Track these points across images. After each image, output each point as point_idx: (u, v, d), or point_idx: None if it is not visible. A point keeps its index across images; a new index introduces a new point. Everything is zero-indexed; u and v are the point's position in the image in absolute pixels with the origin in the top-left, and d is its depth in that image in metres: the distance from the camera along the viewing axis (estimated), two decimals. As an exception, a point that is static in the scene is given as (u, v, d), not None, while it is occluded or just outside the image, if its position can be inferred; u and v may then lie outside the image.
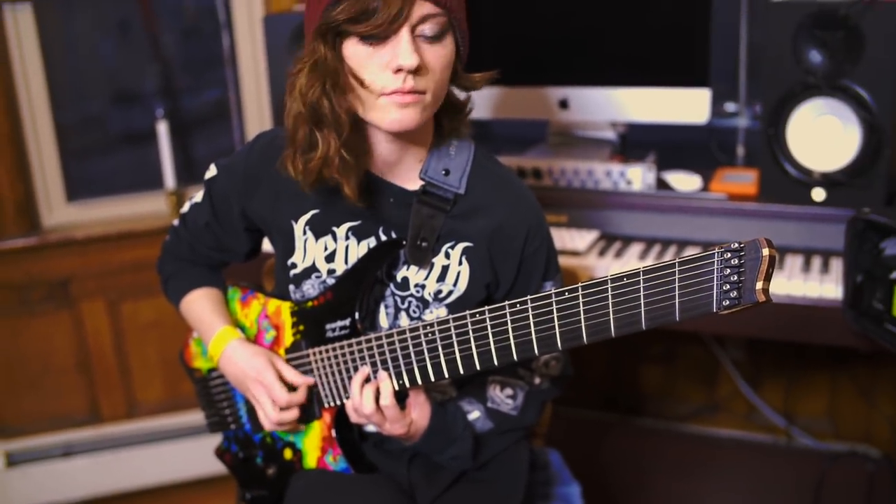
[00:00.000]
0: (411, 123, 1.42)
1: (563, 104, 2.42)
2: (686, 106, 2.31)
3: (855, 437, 2.81)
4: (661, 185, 2.34)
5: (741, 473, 2.83)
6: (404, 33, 1.35)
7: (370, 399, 1.51)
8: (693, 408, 3.01)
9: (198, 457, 3.16)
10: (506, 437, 1.69)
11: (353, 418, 1.57)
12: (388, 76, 1.37)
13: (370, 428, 1.70)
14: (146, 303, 3.13)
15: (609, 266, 2.13)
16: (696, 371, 2.97)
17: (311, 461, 1.68)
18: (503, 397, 1.66)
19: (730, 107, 2.61)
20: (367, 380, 1.53)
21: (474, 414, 1.64)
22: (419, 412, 1.57)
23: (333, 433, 1.63)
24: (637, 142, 2.51)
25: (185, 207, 1.78)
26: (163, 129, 3.04)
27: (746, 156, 2.50)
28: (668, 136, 2.57)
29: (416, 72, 1.37)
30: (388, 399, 1.50)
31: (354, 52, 1.38)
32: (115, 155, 3.20)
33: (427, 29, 1.37)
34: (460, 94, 1.56)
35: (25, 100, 2.97)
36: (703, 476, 2.85)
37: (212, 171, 1.72)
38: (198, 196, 1.75)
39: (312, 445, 1.67)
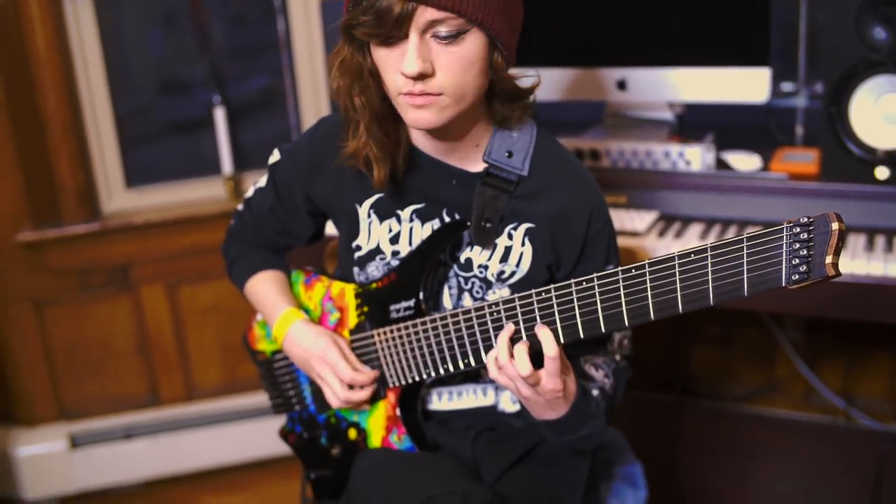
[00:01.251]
0: (430, 123, 1.42)
1: (621, 85, 2.41)
2: (745, 85, 2.28)
3: (916, 418, 2.79)
4: (721, 165, 2.32)
5: (799, 455, 2.81)
6: (412, 38, 1.34)
7: (526, 358, 1.39)
8: (750, 389, 2.99)
9: (256, 438, 3.20)
10: (608, 418, 1.63)
11: (494, 374, 1.44)
12: (401, 78, 1.38)
13: (435, 406, 1.71)
14: (204, 287, 3.17)
15: (669, 246, 2.12)
16: (753, 352, 2.95)
17: (375, 440, 1.70)
18: (601, 377, 1.63)
19: (787, 86, 2.59)
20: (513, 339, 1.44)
21: (594, 392, 1.60)
22: (570, 376, 1.47)
23: (398, 413, 1.65)
24: (694, 123, 2.49)
25: (250, 192, 1.81)
26: (220, 115, 3.08)
27: (805, 135, 2.47)
28: (724, 117, 2.55)
29: (427, 75, 1.36)
30: (553, 350, 1.38)
31: (375, 52, 1.40)
32: (165, 143, 3.24)
33: (441, 30, 1.34)
34: (520, 82, 1.53)
35: (85, 89, 3.02)
36: (760, 457, 2.83)
37: (275, 156, 1.74)
38: (262, 180, 1.78)
39: (377, 425, 1.69)
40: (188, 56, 3.19)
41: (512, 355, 1.41)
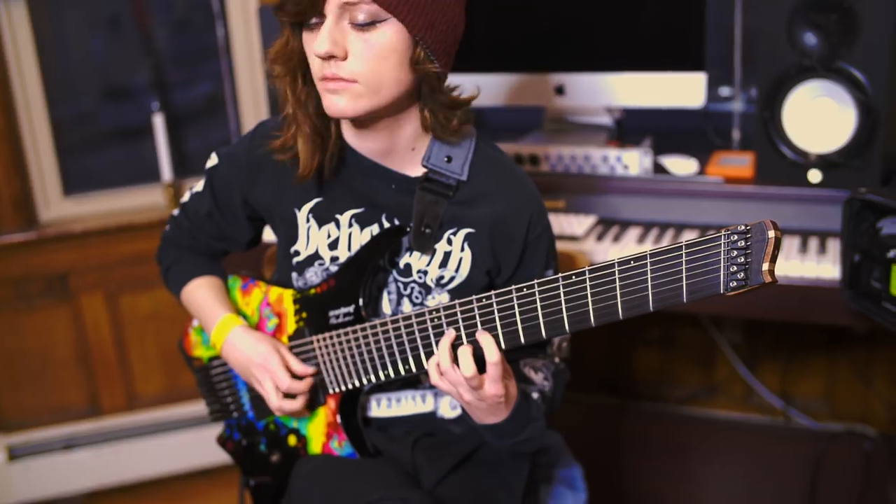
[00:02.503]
0: (344, 111, 1.42)
1: (560, 90, 2.43)
2: (682, 90, 2.32)
3: (851, 417, 2.83)
4: (658, 169, 2.35)
5: (739, 455, 2.85)
6: (328, 19, 1.36)
7: (470, 360, 1.39)
8: (690, 390, 3.02)
9: (198, 448, 3.18)
10: (546, 420, 1.63)
11: (436, 380, 1.44)
12: (318, 62, 1.40)
13: (374, 413, 1.71)
14: (144, 295, 3.14)
15: (607, 250, 2.14)
16: (693, 354, 2.99)
17: (316, 447, 1.69)
18: (540, 380, 1.63)
19: (724, 91, 2.62)
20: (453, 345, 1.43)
21: (535, 394, 1.60)
22: (511, 380, 1.47)
23: (338, 419, 1.64)
24: (633, 128, 2.53)
25: (186, 197, 1.79)
26: (159, 122, 3.05)
27: (742, 140, 2.51)
28: (663, 122, 2.58)
29: (341, 58, 1.38)
30: (495, 356, 1.38)
31: (304, 39, 1.43)
32: (106, 150, 3.20)
33: (357, 15, 1.36)
34: (456, 93, 1.52)
35: (21, 95, 2.97)
36: (701, 458, 2.87)
37: (213, 160, 1.73)
38: (198, 185, 1.76)
39: (317, 431, 1.68)
40: (132, 61, 3.15)
41: (454, 361, 1.41)
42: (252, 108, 3.13)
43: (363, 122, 1.50)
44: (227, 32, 3.04)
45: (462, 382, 1.40)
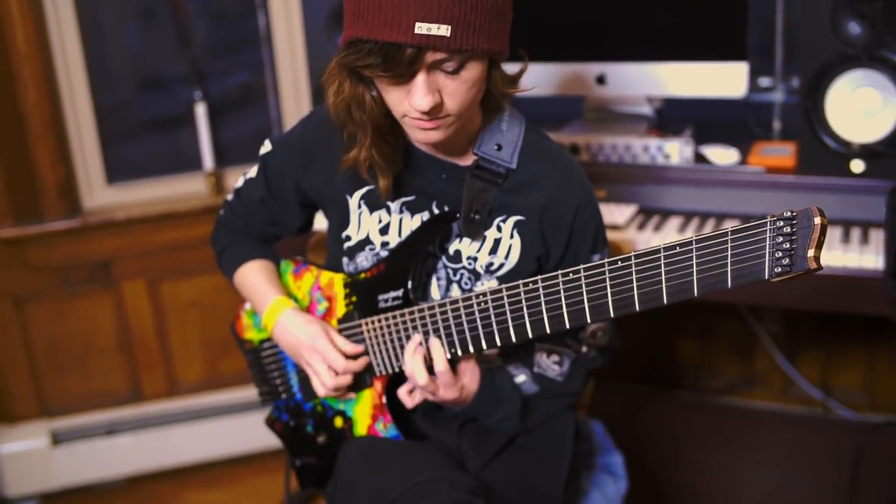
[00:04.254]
0: (437, 140, 1.46)
1: (601, 80, 2.43)
2: (723, 80, 2.32)
3: (892, 408, 2.82)
4: (699, 159, 2.35)
5: (778, 446, 2.85)
6: (421, 75, 1.36)
7: (421, 368, 1.54)
8: (730, 381, 3.02)
9: (238, 433, 3.20)
10: (553, 402, 1.71)
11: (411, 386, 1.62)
12: (409, 106, 1.40)
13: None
14: (186, 282, 3.17)
15: (649, 239, 2.15)
16: (732, 344, 2.99)
17: (361, 429, 1.71)
18: (549, 363, 1.67)
19: (764, 81, 2.62)
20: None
21: (520, 377, 1.67)
22: (470, 377, 1.60)
23: (384, 401, 1.67)
24: (672, 118, 2.52)
25: (240, 182, 1.82)
26: (201, 110, 3.08)
27: (782, 130, 2.50)
28: (703, 112, 2.58)
29: (437, 107, 1.39)
30: (441, 365, 1.53)
31: (378, 81, 1.42)
32: (145, 139, 3.23)
33: (448, 65, 1.37)
34: (513, 68, 1.55)
35: (66, 84, 3.01)
36: (740, 449, 2.86)
37: (266, 147, 1.76)
38: (252, 171, 1.79)
39: (363, 413, 1.71)
40: (168, 52, 3.18)
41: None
42: (293, 96, 3.15)
43: None
44: (269, 21, 3.06)
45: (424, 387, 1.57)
